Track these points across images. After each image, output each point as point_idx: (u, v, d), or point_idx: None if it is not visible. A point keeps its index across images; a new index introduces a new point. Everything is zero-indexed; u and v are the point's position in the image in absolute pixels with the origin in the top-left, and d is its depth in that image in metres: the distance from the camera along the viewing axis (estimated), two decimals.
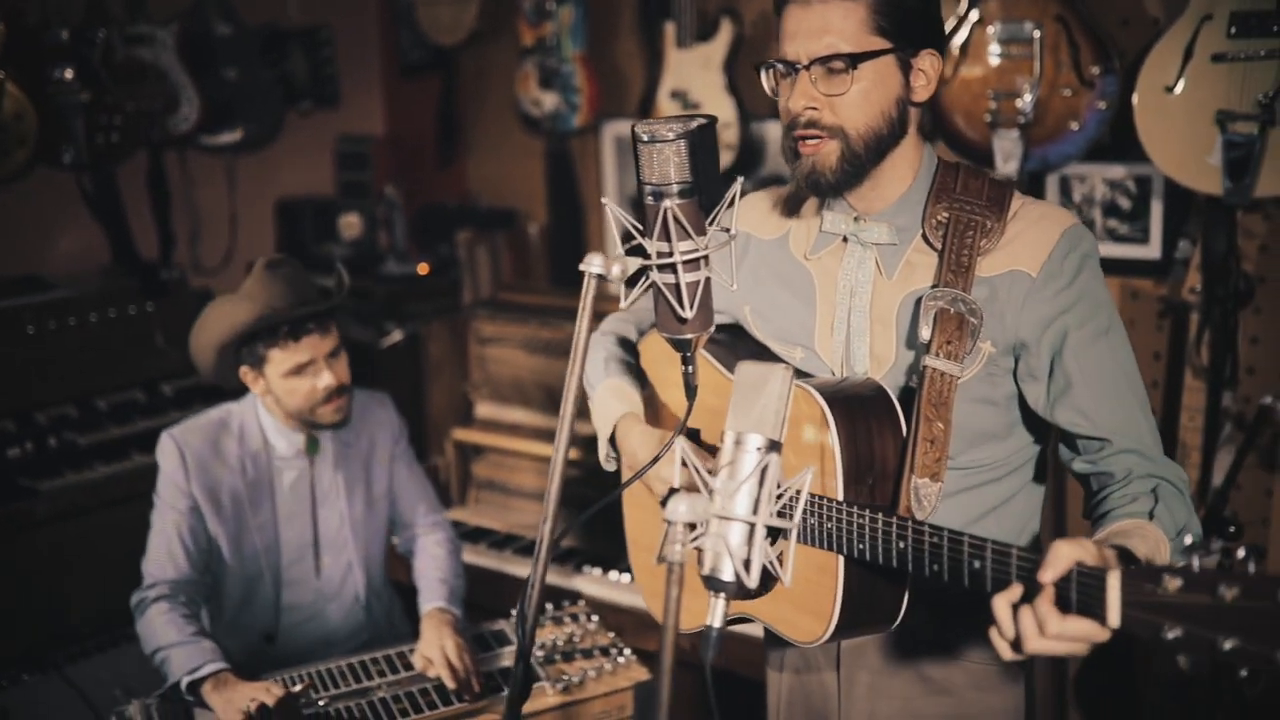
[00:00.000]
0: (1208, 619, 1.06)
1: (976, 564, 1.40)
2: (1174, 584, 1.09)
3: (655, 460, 1.59)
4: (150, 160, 4.06)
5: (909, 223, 1.72)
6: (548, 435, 3.38)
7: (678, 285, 1.44)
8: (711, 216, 1.47)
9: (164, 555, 2.51)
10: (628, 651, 2.52)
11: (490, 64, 4.29)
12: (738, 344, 1.93)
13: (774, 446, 1.36)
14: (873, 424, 1.62)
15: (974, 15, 2.84)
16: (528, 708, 2.34)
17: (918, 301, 1.66)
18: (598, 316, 1.69)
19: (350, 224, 4.38)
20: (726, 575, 1.34)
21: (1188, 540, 1.16)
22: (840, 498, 1.58)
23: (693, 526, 1.29)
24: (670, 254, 1.43)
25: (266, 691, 2.23)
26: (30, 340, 3.47)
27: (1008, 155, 2.85)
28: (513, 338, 3.49)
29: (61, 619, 3.35)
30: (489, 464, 3.52)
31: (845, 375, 1.75)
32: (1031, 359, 1.66)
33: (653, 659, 2.71)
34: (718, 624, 1.37)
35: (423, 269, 4.12)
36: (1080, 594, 1.23)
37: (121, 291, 3.70)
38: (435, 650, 2.38)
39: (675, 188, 1.42)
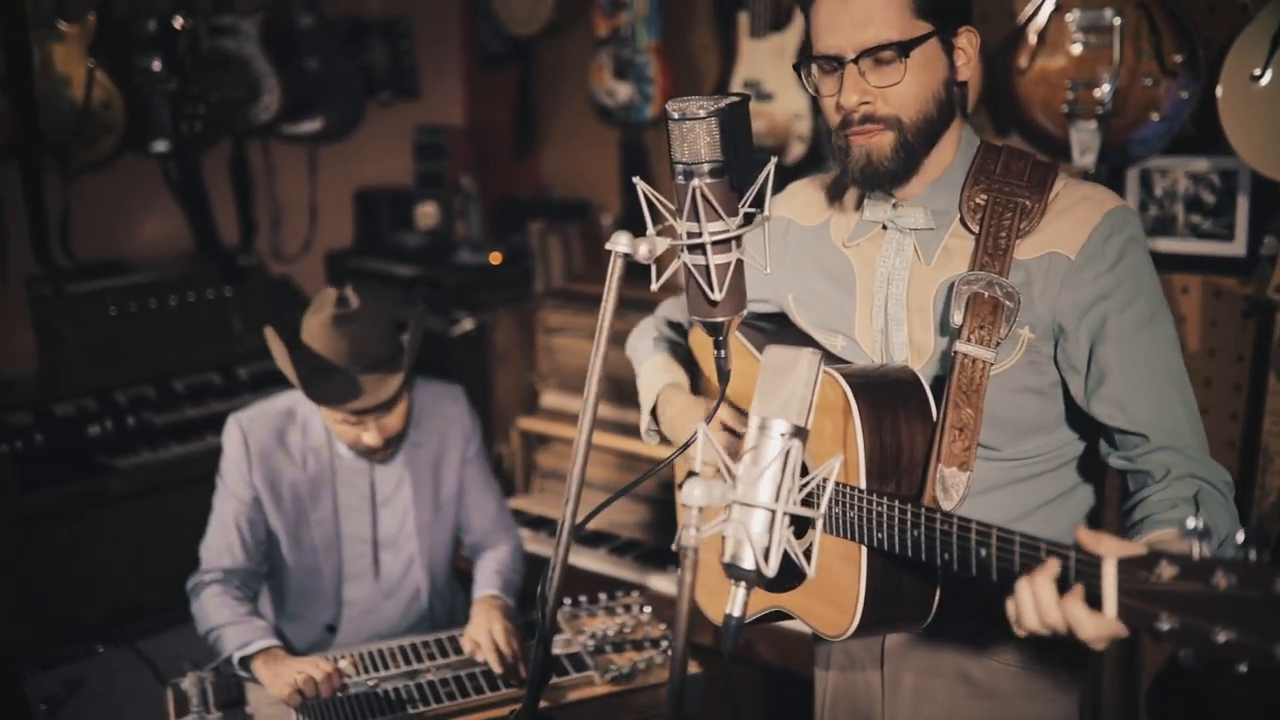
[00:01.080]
0: (1202, 609, 1.00)
1: (983, 551, 1.35)
2: (1169, 571, 1.02)
3: (683, 448, 1.56)
4: (233, 148, 4.15)
5: (946, 206, 1.67)
6: (613, 426, 3.36)
7: (707, 267, 1.41)
8: (745, 198, 1.44)
9: (222, 544, 2.53)
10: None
11: (566, 55, 4.29)
12: (782, 332, 1.90)
13: (799, 433, 1.33)
14: (901, 411, 1.57)
15: (1051, 3, 2.76)
16: (575, 696, 2.34)
17: (951, 286, 1.61)
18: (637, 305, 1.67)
19: (426, 214, 4.42)
20: (747, 563, 1.31)
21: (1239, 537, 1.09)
22: (863, 486, 1.54)
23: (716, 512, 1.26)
24: (700, 234, 1.40)
25: (315, 665, 2.25)
26: (112, 322, 3.57)
27: (1085, 147, 2.76)
28: (580, 328, 3.48)
29: (135, 594, 3.43)
30: (553, 453, 3.52)
31: (883, 363, 1.71)
32: (1069, 346, 1.60)
33: (705, 653, 2.69)
34: (737, 613, 1.34)
35: (495, 259, 4.14)
36: (1078, 579, 1.17)
37: (201, 277, 3.79)
38: (483, 634, 2.38)
39: (706, 166, 1.39)
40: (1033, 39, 2.80)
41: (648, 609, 2.62)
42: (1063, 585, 1.21)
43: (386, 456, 2.59)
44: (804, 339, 1.85)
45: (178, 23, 3.78)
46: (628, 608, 2.62)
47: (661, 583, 3.05)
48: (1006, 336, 1.57)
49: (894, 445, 1.56)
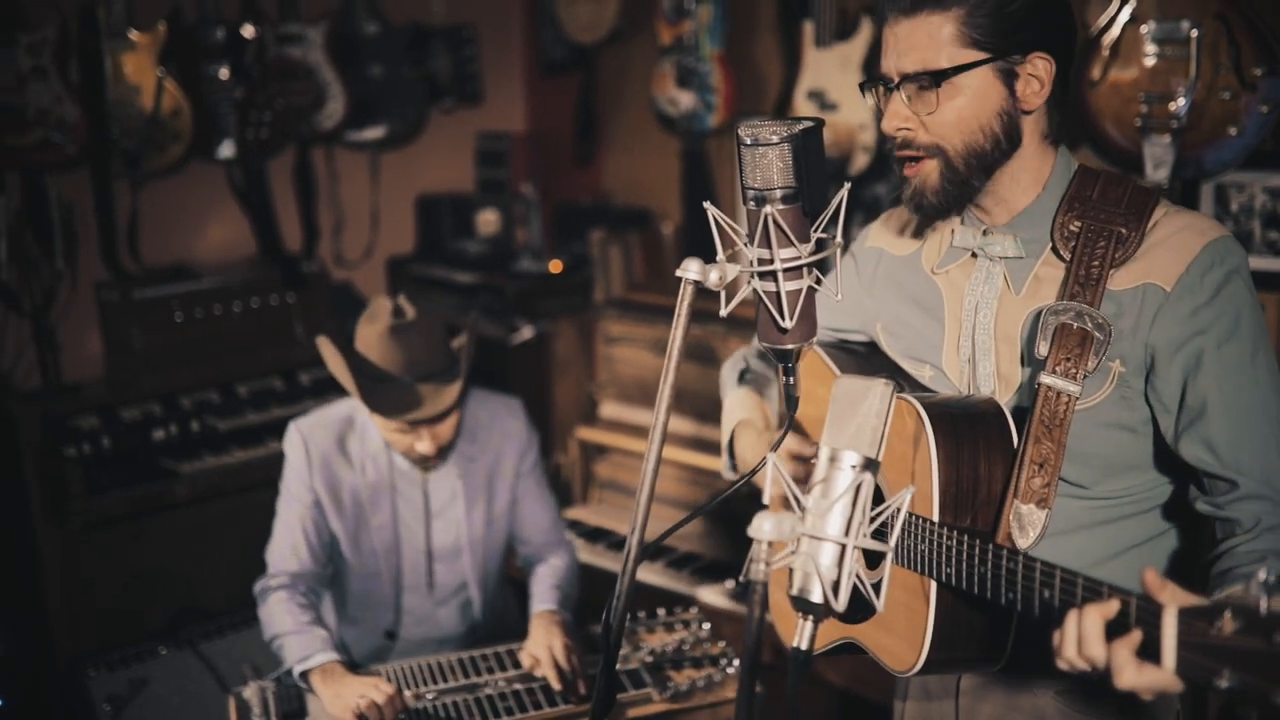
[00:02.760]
0: (1264, 667, 0.94)
1: (1046, 592, 1.31)
2: (1231, 625, 0.97)
3: (749, 476, 1.54)
4: (298, 155, 4.19)
5: (1038, 234, 1.63)
6: (685, 441, 3.35)
7: (778, 294, 1.39)
8: (817, 224, 1.42)
9: (287, 548, 2.56)
10: (737, 662, 2.47)
11: (629, 62, 4.28)
12: (870, 361, 1.88)
13: (870, 465, 1.30)
14: (980, 443, 1.54)
15: (1126, 13, 2.70)
16: (633, 713, 2.33)
17: (1039, 316, 1.58)
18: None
19: (488, 221, 4.43)
20: (815, 597, 1.29)
21: None
22: (935, 518, 1.51)
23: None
24: (771, 261, 1.38)
25: (376, 689, 2.25)
26: (178, 327, 3.62)
27: (1159, 162, 2.70)
28: (640, 338, 3.47)
29: (198, 597, 3.47)
30: (611, 464, 3.51)
31: (970, 393, 1.67)
32: (1160, 383, 1.54)
33: (768, 672, 2.67)
34: (804, 646, 1.32)
35: (555, 267, 4.14)
36: (1139, 623, 1.12)
37: (264, 282, 3.83)
38: (543, 649, 2.38)
39: (778, 193, 1.37)
40: (1106, 50, 2.74)
41: (707, 625, 2.60)
42: (1120, 628, 1.16)
43: (437, 465, 2.61)
44: (892, 367, 1.83)
45: (248, 31, 3.82)
46: (686, 624, 2.61)
47: (718, 598, 3.03)
48: (1095, 370, 1.53)
49: (971, 478, 1.53)
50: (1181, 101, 2.62)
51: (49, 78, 3.45)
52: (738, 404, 2.00)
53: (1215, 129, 2.64)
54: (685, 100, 3.85)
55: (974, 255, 1.68)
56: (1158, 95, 2.67)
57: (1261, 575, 1.00)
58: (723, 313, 1.45)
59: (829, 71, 3.44)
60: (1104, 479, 1.59)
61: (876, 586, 1.33)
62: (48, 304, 3.59)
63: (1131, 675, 1.12)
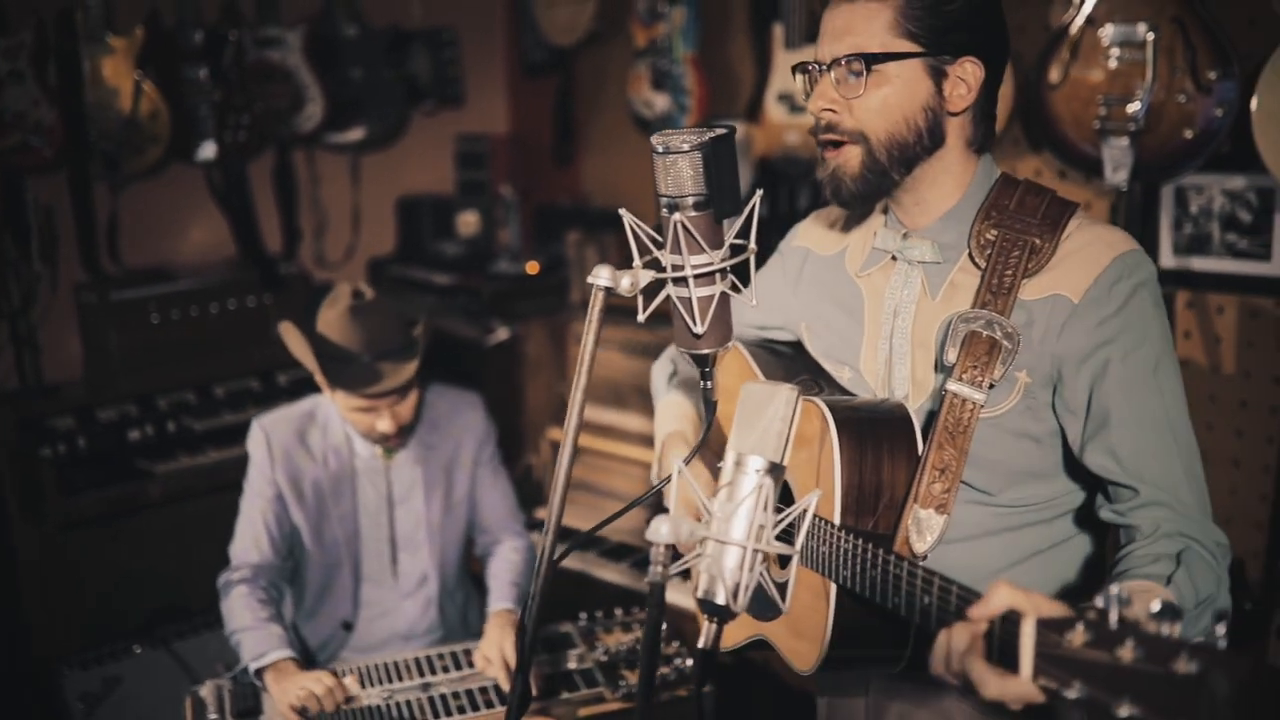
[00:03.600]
0: (1107, 680, 0.94)
1: (926, 599, 1.32)
2: (1082, 637, 0.99)
3: (660, 485, 1.56)
4: (278, 157, 4.21)
5: (955, 240, 1.64)
6: (642, 439, 3.37)
7: (690, 299, 1.41)
8: (734, 230, 1.43)
9: (249, 541, 2.61)
10: (690, 662, 2.49)
11: (606, 65, 4.30)
12: (794, 362, 1.89)
13: (775, 469, 1.32)
14: (885, 448, 1.55)
15: (1084, 13, 2.70)
16: (586, 711, 2.35)
17: (950, 322, 1.59)
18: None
19: (468, 222, 4.45)
20: (719, 599, 1.31)
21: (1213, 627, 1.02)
22: (837, 521, 1.52)
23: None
24: (683, 267, 1.40)
25: (317, 681, 2.29)
26: (155, 328, 3.65)
27: (1117, 164, 2.70)
28: (611, 340, 3.49)
29: (173, 596, 3.50)
30: (582, 465, 3.53)
31: (884, 398, 1.69)
32: (1068, 393, 1.55)
33: (721, 672, 2.68)
34: (709, 646, 1.33)
35: (532, 268, 4.16)
36: (1001, 638, 1.13)
37: (242, 284, 3.86)
38: (495, 650, 2.41)
39: (690, 199, 1.39)
40: (1065, 53, 2.75)
41: (664, 625, 2.61)
42: (987, 639, 1.17)
43: (398, 445, 2.65)
44: (815, 368, 1.85)
45: (232, 35, 3.85)
46: (641, 624, 2.63)
47: (679, 597, 3.05)
48: (1002, 379, 1.54)
49: (874, 482, 1.55)
50: (1139, 104, 2.63)
51: (26, 81, 3.48)
52: (667, 412, 2.02)
53: (1172, 132, 2.65)
54: (660, 102, 3.87)
55: (894, 259, 1.70)
56: (1116, 98, 2.68)
57: (1114, 589, 1.01)
58: (640, 318, 1.47)
59: None
60: (1008, 487, 1.60)
61: (784, 587, 1.35)
62: (26, 306, 3.62)
63: (995, 686, 1.13)
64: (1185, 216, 2.83)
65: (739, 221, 1.43)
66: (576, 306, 3.81)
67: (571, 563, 3.25)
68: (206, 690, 2.39)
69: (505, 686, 2.37)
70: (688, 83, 3.78)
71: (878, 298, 1.72)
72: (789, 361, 1.89)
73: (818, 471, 1.57)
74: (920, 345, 1.65)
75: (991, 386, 1.54)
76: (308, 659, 2.53)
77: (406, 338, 2.58)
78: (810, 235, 1.90)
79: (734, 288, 1.44)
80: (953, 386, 1.54)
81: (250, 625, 2.46)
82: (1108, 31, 2.69)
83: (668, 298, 1.44)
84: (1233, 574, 2.56)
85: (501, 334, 3.90)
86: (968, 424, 1.53)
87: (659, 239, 1.45)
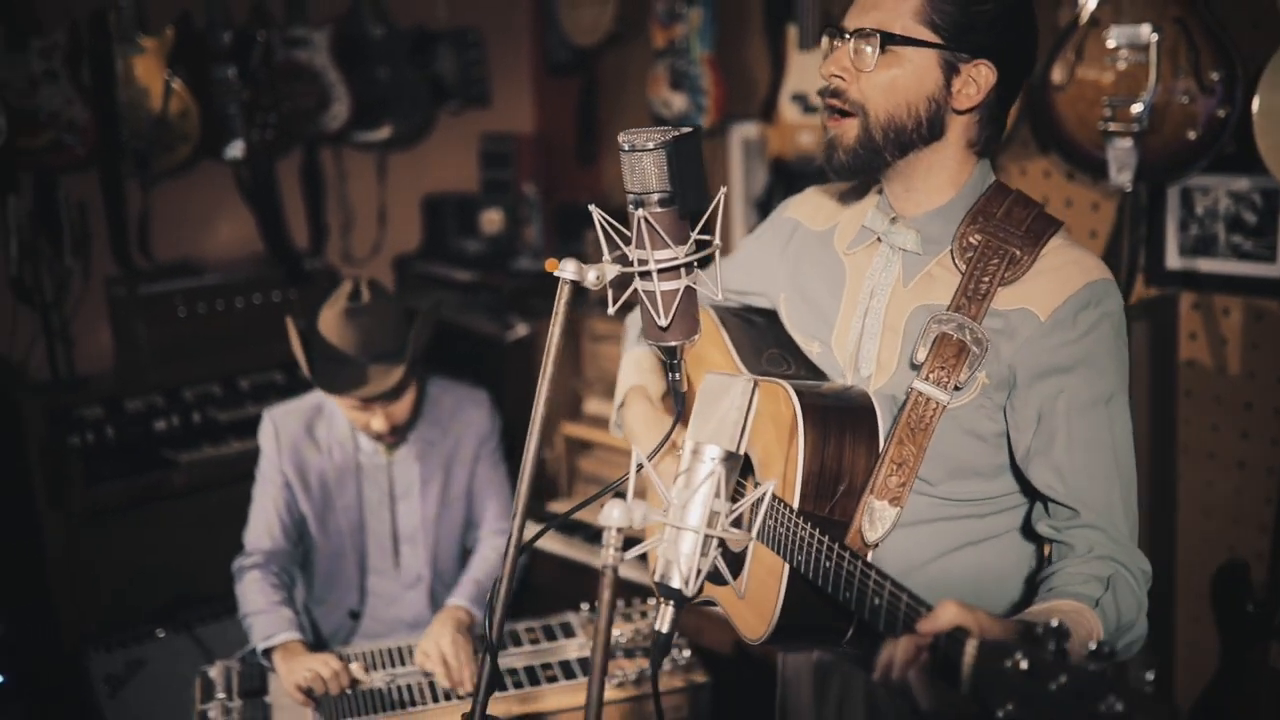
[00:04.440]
0: (1037, 707, 0.99)
1: (876, 600, 1.36)
2: (1019, 663, 1.03)
3: (619, 481, 1.59)
4: (305, 155, 4.30)
5: (939, 236, 1.68)
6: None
7: (655, 293, 1.46)
8: (698, 227, 1.48)
9: (261, 528, 2.69)
10: (688, 653, 2.54)
11: (627, 65, 4.35)
12: (765, 334, 1.92)
13: (730, 458, 1.37)
14: (848, 438, 1.59)
15: (1088, 14, 2.72)
16: (581, 700, 2.39)
17: (925, 318, 1.62)
18: None
19: (491, 220, 4.52)
20: (674, 583, 1.35)
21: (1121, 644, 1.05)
22: (796, 505, 1.56)
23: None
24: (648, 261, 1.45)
25: (324, 664, 2.36)
26: (182, 322, 3.74)
27: (1121, 165, 2.71)
28: (616, 334, 3.54)
29: (196, 582, 3.59)
30: (595, 460, 3.58)
31: (851, 378, 1.72)
32: (1018, 403, 1.59)
33: (719, 662, 2.72)
34: (666, 629, 1.38)
35: (550, 265, 4.21)
36: (945, 654, 1.17)
37: (268, 279, 3.94)
38: (433, 646, 2.46)
39: (655, 196, 1.43)
40: (1070, 55, 2.77)
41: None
42: (931, 652, 1.21)
43: (395, 443, 2.71)
44: (786, 341, 1.88)
45: (260, 35, 3.94)
46: (644, 614, 2.67)
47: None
48: (968, 382, 1.58)
49: (835, 469, 1.58)
50: (1142, 105, 2.64)
51: (60, 81, 3.59)
52: (634, 365, 2.06)
53: (1175, 133, 2.66)
54: (678, 102, 3.91)
55: (879, 240, 1.73)
56: (1120, 99, 2.69)
57: (1054, 622, 1.05)
58: (610, 310, 1.52)
59: (812, 74, 3.48)
60: (949, 479, 1.63)
61: (741, 559, 1.39)
62: (59, 299, 3.73)
63: (932, 699, 1.18)
64: (1191, 218, 2.83)
65: (704, 217, 1.47)
66: (594, 304, 3.86)
67: (579, 555, 3.30)
68: (215, 671, 2.47)
69: (441, 683, 2.42)
70: (705, 83, 3.82)
71: (859, 276, 1.76)
72: (760, 333, 1.92)
73: (785, 456, 1.61)
74: (890, 329, 1.69)
75: (957, 389, 1.58)
76: (320, 646, 2.59)
77: (401, 339, 2.61)
78: (802, 209, 1.94)
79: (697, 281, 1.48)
80: (919, 385, 1.58)
81: (262, 608, 2.54)
82: (1112, 33, 2.70)
83: (635, 291, 1.48)
84: (1238, 576, 2.58)
85: (521, 330, 3.95)
86: (929, 422, 1.57)
87: (628, 234, 1.49)
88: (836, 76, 1.63)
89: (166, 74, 3.75)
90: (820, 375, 1.79)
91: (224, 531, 3.61)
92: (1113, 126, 2.69)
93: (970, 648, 1.11)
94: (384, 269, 4.59)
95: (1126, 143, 2.69)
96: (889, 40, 1.58)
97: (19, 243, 3.56)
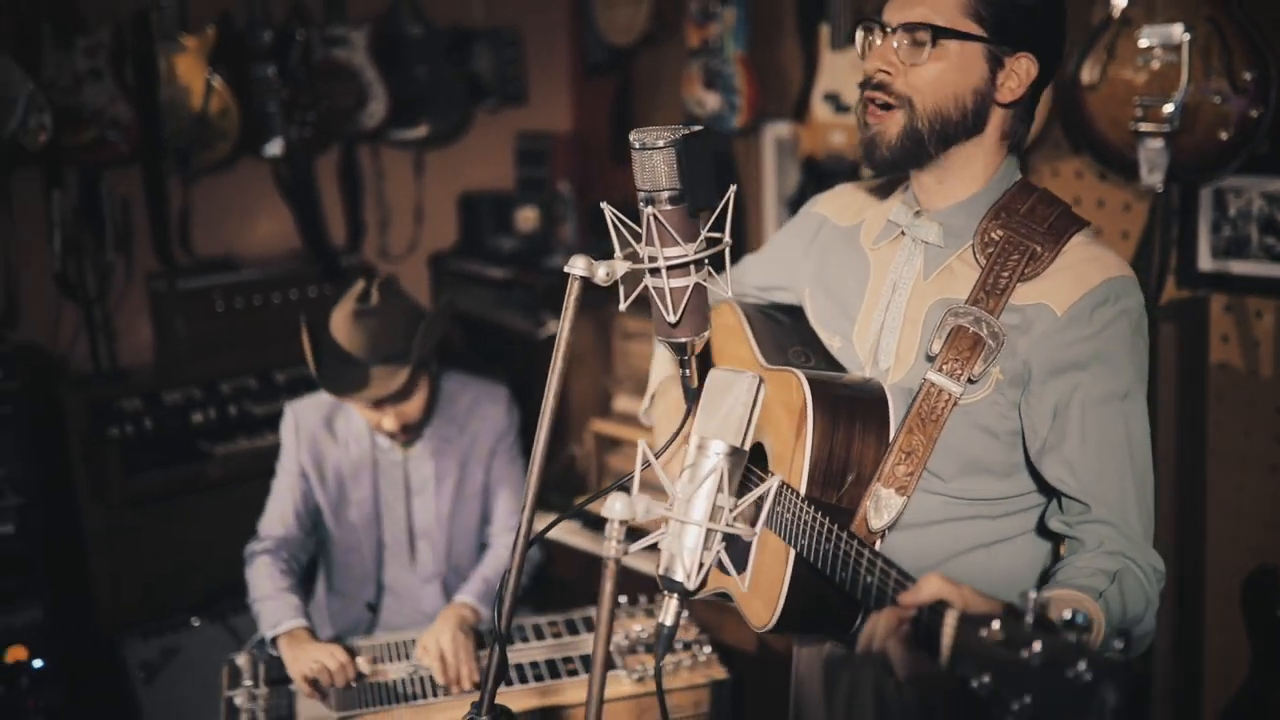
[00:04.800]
0: (1012, 676, 0.99)
1: (868, 578, 1.37)
2: (995, 634, 1.03)
3: (611, 485, 1.60)
4: (343, 153, 4.36)
5: (962, 230, 1.68)
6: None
7: (665, 290, 1.47)
8: (708, 224, 1.49)
9: (276, 515, 2.73)
10: (709, 649, 2.55)
11: (662, 64, 4.36)
12: (790, 332, 1.93)
13: (736, 453, 1.38)
14: (858, 427, 1.60)
15: (1121, 9, 2.69)
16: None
17: (943, 311, 1.63)
18: None
19: (526, 218, 4.55)
20: (678, 576, 1.37)
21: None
22: (803, 491, 1.57)
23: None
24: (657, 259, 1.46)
25: (331, 656, 2.39)
26: (219, 316, 3.81)
27: (1153, 165, 2.69)
28: (646, 332, 3.55)
29: (229, 573, 3.64)
30: (625, 456, 3.60)
31: (870, 371, 1.73)
32: (1034, 400, 1.59)
33: (738, 658, 2.73)
34: (669, 622, 1.40)
35: None
36: (926, 624, 1.18)
37: (304, 275, 4.00)
38: (433, 641, 2.48)
39: (665, 194, 1.45)
40: (1102, 54, 2.75)
41: (685, 613, 2.67)
42: (914, 630, 1.22)
43: (408, 440, 2.73)
44: (809, 337, 1.89)
45: (300, 35, 4.00)
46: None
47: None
48: (982, 375, 1.58)
49: (843, 458, 1.59)
50: (1171, 105, 2.62)
51: (104, 79, 3.66)
52: (667, 357, 2.06)
53: (1207, 133, 2.63)
54: (711, 101, 3.92)
55: (903, 234, 1.74)
56: (1151, 99, 2.67)
57: (1033, 594, 1.05)
58: (621, 306, 1.54)
59: (844, 74, 3.48)
60: (959, 475, 1.63)
61: (748, 547, 1.40)
62: (101, 294, 3.81)
63: (911, 669, 1.18)
64: (1224, 219, 2.80)
65: (714, 214, 1.48)
66: (638, 295, 3.88)
67: (600, 548, 3.31)
68: (243, 659, 2.51)
69: (439, 679, 2.43)
70: (738, 82, 3.83)
71: (883, 270, 1.76)
72: (785, 330, 1.93)
73: (794, 443, 1.61)
74: (910, 322, 1.69)
75: (971, 381, 1.57)
76: (335, 638, 2.63)
77: (408, 340, 2.62)
78: (830, 205, 1.95)
79: (708, 277, 1.49)
80: (932, 376, 1.58)
81: (269, 594, 2.58)
82: (1144, 32, 2.68)
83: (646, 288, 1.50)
84: (1269, 582, 2.55)
85: (553, 327, 3.98)
86: (941, 413, 1.57)
87: (640, 231, 1.51)
88: (883, 71, 1.62)
89: (207, 72, 3.82)
90: (842, 370, 1.80)
91: (259, 521, 3.68)
92: (1144, 126, 2.67)
93: (950, 619, 1.11)
94: (420, 266, 4.64)
95: (1158, 143, 2.67)
96: (939, 35, 1.58)
97: (63, 238, 3.64)
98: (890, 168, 1.68)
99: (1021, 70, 1.62)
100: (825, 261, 1.88)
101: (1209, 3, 2.58)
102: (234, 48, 3.91)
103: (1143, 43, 2.68)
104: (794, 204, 3.82)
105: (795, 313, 1.97)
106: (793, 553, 1.57)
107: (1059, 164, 3.09)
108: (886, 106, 1.64)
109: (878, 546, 1.60)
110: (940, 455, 1.61)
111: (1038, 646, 0.98)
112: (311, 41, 4.06)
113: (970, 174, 1.68)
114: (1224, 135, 2.61)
